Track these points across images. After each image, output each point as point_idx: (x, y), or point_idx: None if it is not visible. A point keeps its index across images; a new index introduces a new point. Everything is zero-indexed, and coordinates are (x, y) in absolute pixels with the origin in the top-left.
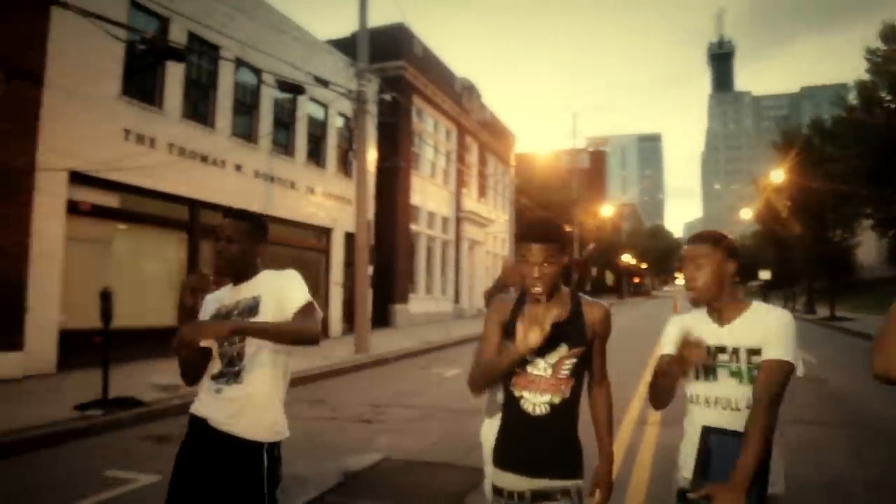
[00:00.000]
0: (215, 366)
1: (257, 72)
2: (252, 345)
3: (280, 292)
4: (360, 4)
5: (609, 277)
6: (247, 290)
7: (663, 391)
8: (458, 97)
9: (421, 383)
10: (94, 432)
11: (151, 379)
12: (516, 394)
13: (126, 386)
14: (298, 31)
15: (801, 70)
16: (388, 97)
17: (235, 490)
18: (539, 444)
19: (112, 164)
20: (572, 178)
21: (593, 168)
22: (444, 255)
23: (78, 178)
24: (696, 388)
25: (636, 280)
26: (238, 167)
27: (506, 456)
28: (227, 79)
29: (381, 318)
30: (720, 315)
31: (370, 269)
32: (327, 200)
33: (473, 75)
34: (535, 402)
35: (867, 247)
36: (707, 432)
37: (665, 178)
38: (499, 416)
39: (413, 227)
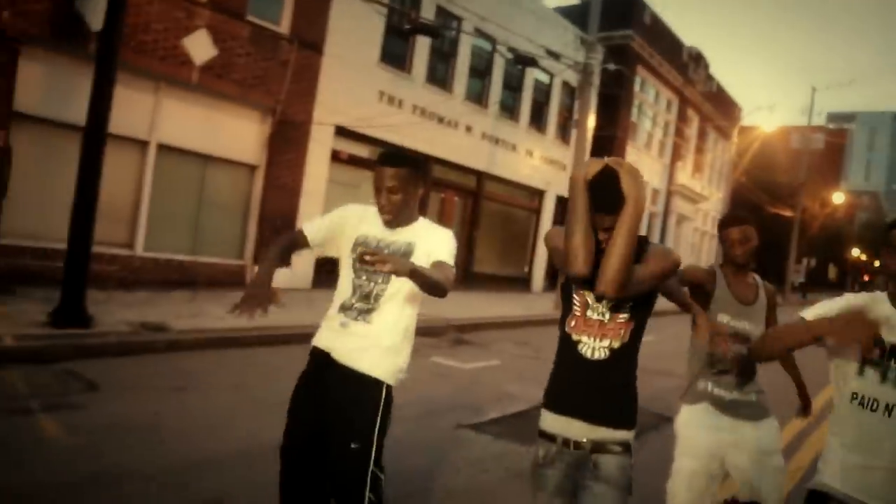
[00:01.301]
0: (344, 295)
1: (492, 41)
2: (394, 285)
3: (430, 245)
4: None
5: (832, 272)
6: (402, 234)
7: (777, 343)
8: (683, 67)
9: None
10: None
11: None
12: (574, 337)
13: None
14: (532, 1)
15: None
16: (612, 68)
17: (351, 420)
18: (599, 389)
19: (367, 121)
20: (802, 159)
21: (831, 149)
22: (650, 228)
23: (341, 132)
24: (874, 389)
25: (866, 278)
26: (468, 128)
27: (562, 400)
28: (465, 48)
29: None
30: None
31: None
32: (544, 164)
33: (702, 42)
34: (595, 346)
35: None
36: None
37: None
38: (701, 405)
39: None
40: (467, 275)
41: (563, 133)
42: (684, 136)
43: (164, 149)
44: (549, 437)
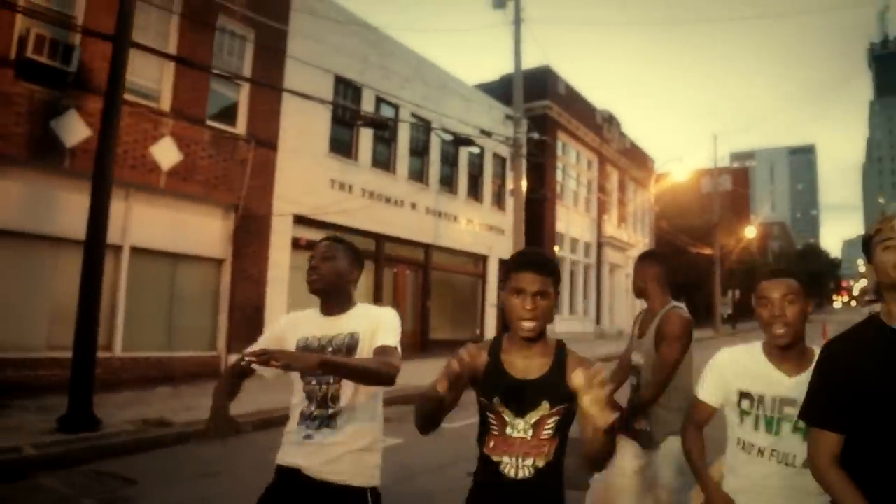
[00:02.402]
0: (301, 405)
1: (427, 123)
2: (350, 385)
3: (373, 329)
4: (515, 65)
5: (753, 300)
6: (343, 324)
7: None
8: (598, 128)
9: None
10: None
11: None
12: (494, 458)
13: None
14: (458, 84)
15: None
16: (535, 136)
17: None
18: None
19: (322, 208)
20: (713, 201)
21: (737, 186)
22: (585, 279)
23: (299, 220)
24: (753, 437)
25: None
26: (413, 205)
27: None
28: (404, 132)
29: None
30: (790, 362)
31: None
32: (484, 231)
33: (612, 102)
34: (517, 465)
35: None
36: None
37: (820, 192)
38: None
39: (557, 252)
40: (424, 342)
41: (499, 200)
42: (606, 190)
43: (136, 251)
44: None
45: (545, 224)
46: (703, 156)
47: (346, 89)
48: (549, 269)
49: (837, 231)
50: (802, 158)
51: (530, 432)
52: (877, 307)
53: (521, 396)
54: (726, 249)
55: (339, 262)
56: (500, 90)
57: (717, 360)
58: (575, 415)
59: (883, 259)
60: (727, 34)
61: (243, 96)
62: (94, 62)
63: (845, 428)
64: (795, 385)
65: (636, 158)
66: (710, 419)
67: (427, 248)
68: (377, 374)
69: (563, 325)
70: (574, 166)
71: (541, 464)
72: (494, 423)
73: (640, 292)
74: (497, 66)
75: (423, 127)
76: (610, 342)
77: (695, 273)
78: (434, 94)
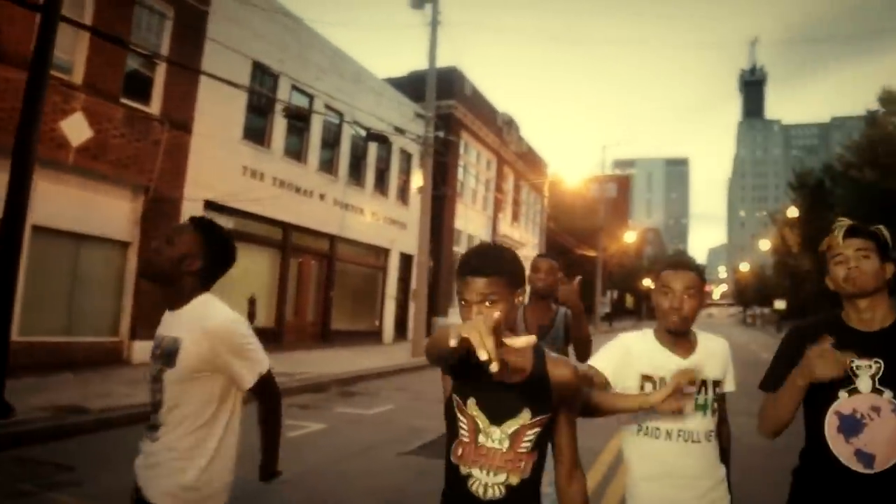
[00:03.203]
0: None
1: (340, 115)
2: (171, 390)
3: (215, 346)
4: (430, 67)
5: (629, 300)
6: (175, 324)
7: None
8: (499, 131)
9: None
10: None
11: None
12: (463, 471)
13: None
14: (371, 79)
15: (833, 99)
16: (441, 136)
17: None
18: None
19: (234, 195)
20: (599, 205)
21: (619, 192)
22: None
23: (210, 206)
24: (659, 421)
25: None
26: (321, 196)
27: None
28: (317, 123)
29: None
30: (683, 346)
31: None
32: (387, 224)
33: (512, 107)
34: (488, 482)
35: None
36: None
37: (690, 202)
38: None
39: (455, 248)
40: (325, 333)
41: (402, 195)
42: (503, 190)
43: (38, 230)
44: None
45: (445, 221)
46: (590, 162)
47: (264, 76)
48: (494, 268)
49: (704, 239)
50: (677, 170)
51: (506, 444)
52: (733, 310)
53: (498, 402)
54: (608, 252)
55: (178, 248)
56: (409, 86)
57: (623, 340)
58: (555, 427)
59: (835, 273)
60: (618, 56)
61: (159, 76)
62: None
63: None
64: (689, 364)
65: (531, 162)
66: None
67: (333, 239)
68: (278, 418)
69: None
70: (474, 165)
71: (514, 481)
72: (465, 428)
73: (550, 291)
74: (407, 61)
75: (335, 119)
76: None
77: (579, 273)
78: (348, 86)
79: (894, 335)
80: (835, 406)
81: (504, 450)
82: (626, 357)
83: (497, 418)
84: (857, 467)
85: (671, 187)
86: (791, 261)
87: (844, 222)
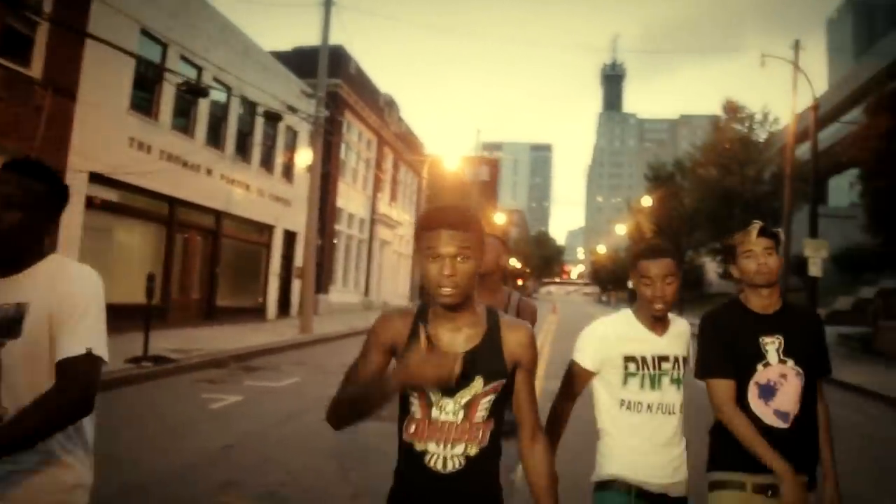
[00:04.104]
0: None
1: (228, 89)
2: (13, 378)
3: (59, 305)
4: (322, 47)
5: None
6: (12, 290)
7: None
8: (380, 111)
9: None
10: (150, 378)
11: (161, 344)
12: (417, 447)
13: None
14: (260, 53)
15: (683, 97)
16: (327, 114)
17: None
18: None
19: (120, 167)
20: (472, 187)
21: (489, 175)
22: (358, 253)
23: (95, 178)
24: (640, 396)
25: (520, 282)
26: (209, 171)
27: None
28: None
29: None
30: (660, 324)
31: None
32: (272, 201)
33: (393, 91)
34: (446, 455)
35: (711, 266)
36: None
37: (553, 187)
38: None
39: (337, 227)
40: (210, 309)
41: (287, 172)
42: (382, 170)
43: None
44: None
45: (328, 199)
46: (463, 145)
47: (152, 44)
48: (467, 225)
49: (564, 222)
50: (541, 155)
51: (461, 414)
52: (589, 289)
53: None
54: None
55: (33, 213)
56: (294, 61)
57: (596, 329)
58: (512, 391)
59: (746, 266)
60: (493, 49)
61: (41, 36)
62: None
63: (734, 374)
64: (666, 343)
65: (409, 143)
66: (585, 386)
67: (219, 215)
68: (61, 417)
69: (336, 296)
70: (356, 144)
71: (473, 451)
72: (416, 403)
73: (494, 269)
74: (291, 35)
75: (224, 93)
76: (375, 313)
77: None
78: (236, 60)
79: (786, 316)
80: (754, 378)
81: (459, 421)
82: (605, 342)
83: (449, 390)
84: (778, 424)
85: (535, 172)
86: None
87: (757, 224)
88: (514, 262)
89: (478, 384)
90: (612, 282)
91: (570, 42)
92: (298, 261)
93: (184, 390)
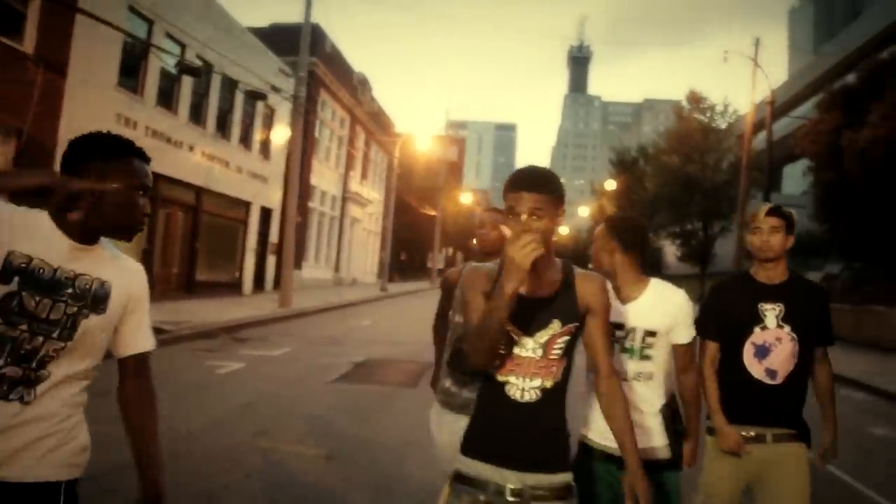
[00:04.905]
0: None
1: (210, 67)
2: (85, 335)
3: (138, 300)
4: (304, 28)
5: (459, 258)
6: (90, 264)
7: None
8: (353, 90)
9: (349, 327)
10: None
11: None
12: (500, 378)
13: None
14: (241, 31)
15: (648, 81)
16: (306, 94)
17: None
18: (533, 433)
19: None
20: (440, 166)
21: (457, 155)
22: (330, 230)
23: None
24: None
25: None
26: (191, 147)
27: (492, 446)
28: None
29: (280, 281)
30: (621, 292)
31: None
32: (250, 178)
33: (366, 69)
34: (524, 386)
35: (671, 249)
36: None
37: (517, 166)
38: (458, 414)
39: (310, 204)
40: (190, 283)
41: (265, 149)
42: (355, 147)
43: None
44: (478, 485)
45: (302, 176)
46: (431, 125)
47: (139, 20)
48: (544, 186)
49: None
50: (506, 135)
51: (540, 352)
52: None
53: (531, 315)
54: (446, 211)
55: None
56: (270, 38)
57: None
58: (581, 334)
59: (753, 241)
60: (462, 30)
61: (33, 12)
62: None
63: (719, 338)
64: (629, 312)
65: (381, 122)
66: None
67: (199, 191)
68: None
69: (308, 272)
70: (329, 123)
71: (548, 384)
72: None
73: (497, 248)
74: (267, 10)
75: (207, 70)
76: (350, 289)
77: (419, 230)
78: (219, 37)
79: (789, 287)
80: (751, 338)
81: (538, 357)
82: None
83: (529, 330)
84: (766, 380)
85: (500, 151)
86: None
87: (768, 204)
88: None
89: (555, 325)
90: (574, 261)
91: (539, 24)
92: (274, 237)
93: (187, 358)
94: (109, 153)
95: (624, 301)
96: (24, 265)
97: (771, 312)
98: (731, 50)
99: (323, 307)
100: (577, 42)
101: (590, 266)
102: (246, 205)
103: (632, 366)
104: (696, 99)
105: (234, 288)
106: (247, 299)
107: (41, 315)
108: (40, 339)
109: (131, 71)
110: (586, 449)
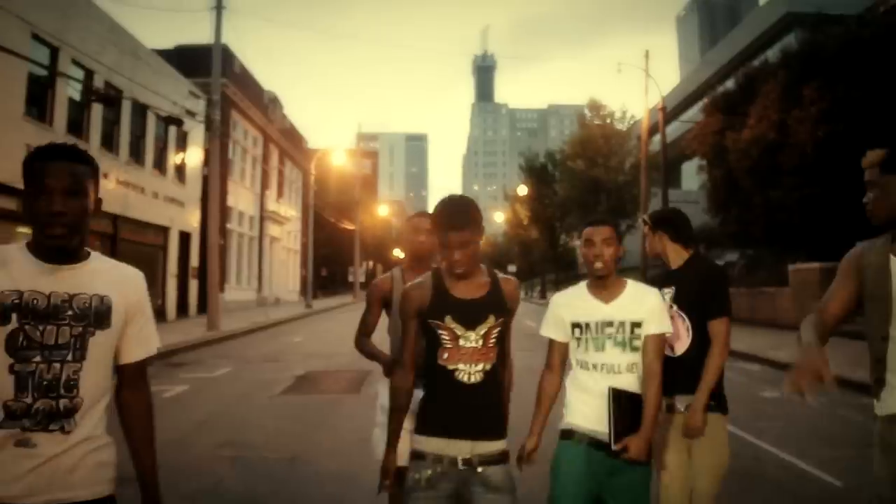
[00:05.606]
0: (3, 395)
1: (120, 92)
2: (96, 350)
3: (137, 307)
4: (214, 51)
5: (380, 271)
6: (82, 280)
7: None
8: (265, 109)
9: (282, 345)
10: None
11: None
12: (450, 367)
13: None
14: (149, 55)
15: (552, 87)
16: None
17: None
18: (478, 409)
19: (18, 175)
20: (355, 180)
21: (371, 168)
22: (250, 250)
23: None
24: (587, 356)
25: None
26: (105, 175)
27: (445, 423)
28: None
29: (203, 305)
30: (606, 292)
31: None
32: (167, 203)
33: (277, 89)
34: (471, 371)
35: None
36: (618, 394)
37: (430, 176)
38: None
39: (228, 225)
40: None
41: (180, 173)
42: (269, 166)
43: None
44: (434, 459)
45: (218, 198)
46: (343, 139)
47: (43, 48)
48: (467, 224)
49: None
50: (417, 145)
51: (480, 342)
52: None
53: (471, 314)
54: (364, 224)
55: (88, 197)
56: (177, 60)
57: (553, 301)
58: (509, 326)
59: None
60: (369, 45)
61: None
62: None
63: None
64: (612, 309)
65: (294, 139)
66: (566, 355)
67: (116, 218)
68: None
69: (230, 294)
70: (242, 143)
71: (488, 367)
72: (447, 336)
73: (431, 253)
74: (172, 32)
75: (115, 95)
76: (270, 308)
77: (338, 245)
78: (126, 61)
79: (683, 270)
80: None
81: (479, 346)
82: (558, 314)
83: (470, 325)
84: (667, 353)
85: (412, 162)
86: (522, 231)
87: (644, 216)
88: (398, 253)
89: (491, 319)
90: (493, 265)
91: (444, 35)
92: (194, 261)
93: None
94: (32, 159)
95: (608, 300)
96: (16, 301)
97: (668, 295)
98: (625, 61)
99: (252, 328)
100: (480, 51)
101: (510, 268)
102: (164, 230)
103: (624, 358)
104: (596, 107)
105: (158, 315)
106: (172, 325)
107: (49, 342)
108: (57, 365)
109: (38, 100)
110: (572, 434)
